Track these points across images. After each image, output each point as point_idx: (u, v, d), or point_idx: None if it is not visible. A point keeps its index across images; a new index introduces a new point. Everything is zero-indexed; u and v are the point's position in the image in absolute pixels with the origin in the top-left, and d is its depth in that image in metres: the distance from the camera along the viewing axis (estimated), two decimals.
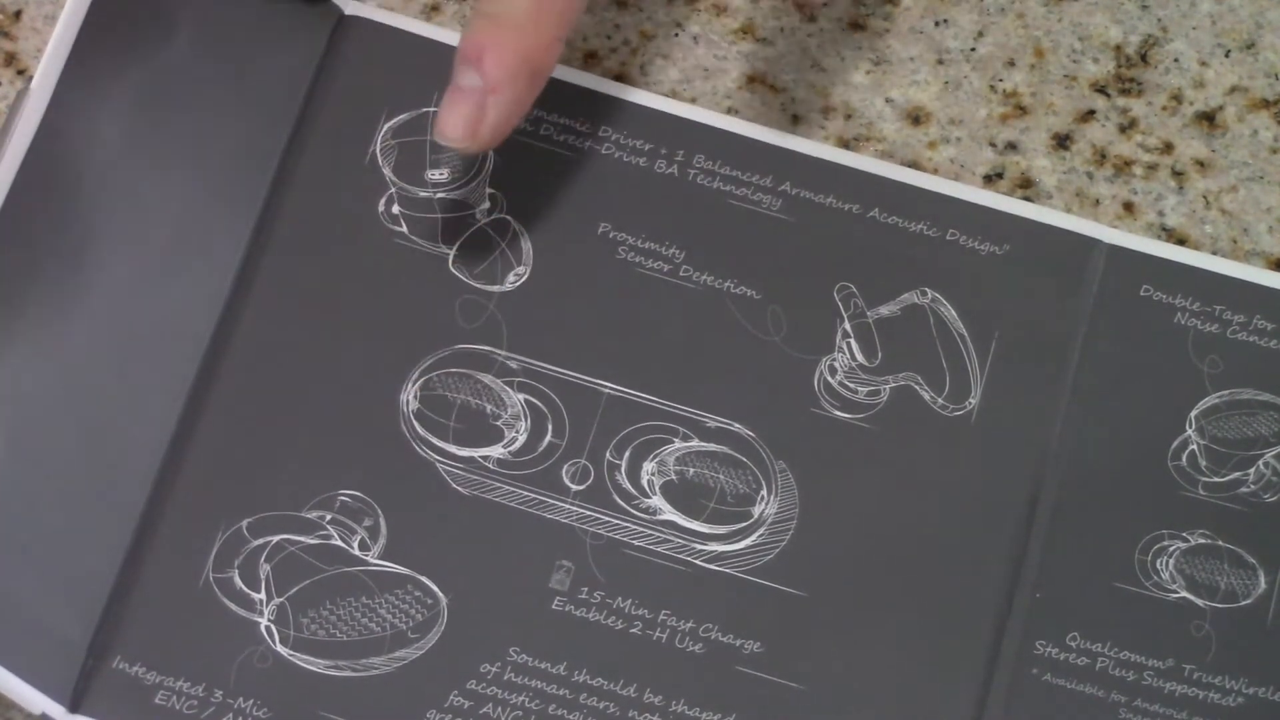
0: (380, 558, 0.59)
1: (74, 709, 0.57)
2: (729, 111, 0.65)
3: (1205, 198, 0.64)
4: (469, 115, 0.56)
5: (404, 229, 0.62)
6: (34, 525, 0.58)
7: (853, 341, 0.62)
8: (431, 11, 0.66)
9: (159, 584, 0.59)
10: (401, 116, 0.63)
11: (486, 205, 0.63)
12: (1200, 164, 0.65)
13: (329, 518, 0.60)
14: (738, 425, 0.61)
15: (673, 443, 0.61)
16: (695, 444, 0.61)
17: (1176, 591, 0.60)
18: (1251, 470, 0.61)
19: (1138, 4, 0.66)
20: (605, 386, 0.61)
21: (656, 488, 0.60)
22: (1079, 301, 0.62)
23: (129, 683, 0.58)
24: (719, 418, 0.61)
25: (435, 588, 0.59)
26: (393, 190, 0.63)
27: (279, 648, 0.58)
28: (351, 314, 0.62)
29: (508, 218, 0.63)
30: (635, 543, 0.60)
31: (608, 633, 0.59)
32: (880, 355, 0.61)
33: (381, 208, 0.63)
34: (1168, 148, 0.65)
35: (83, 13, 0.61)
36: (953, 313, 0.62)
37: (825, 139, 0.64)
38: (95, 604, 0.58)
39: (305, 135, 0.63)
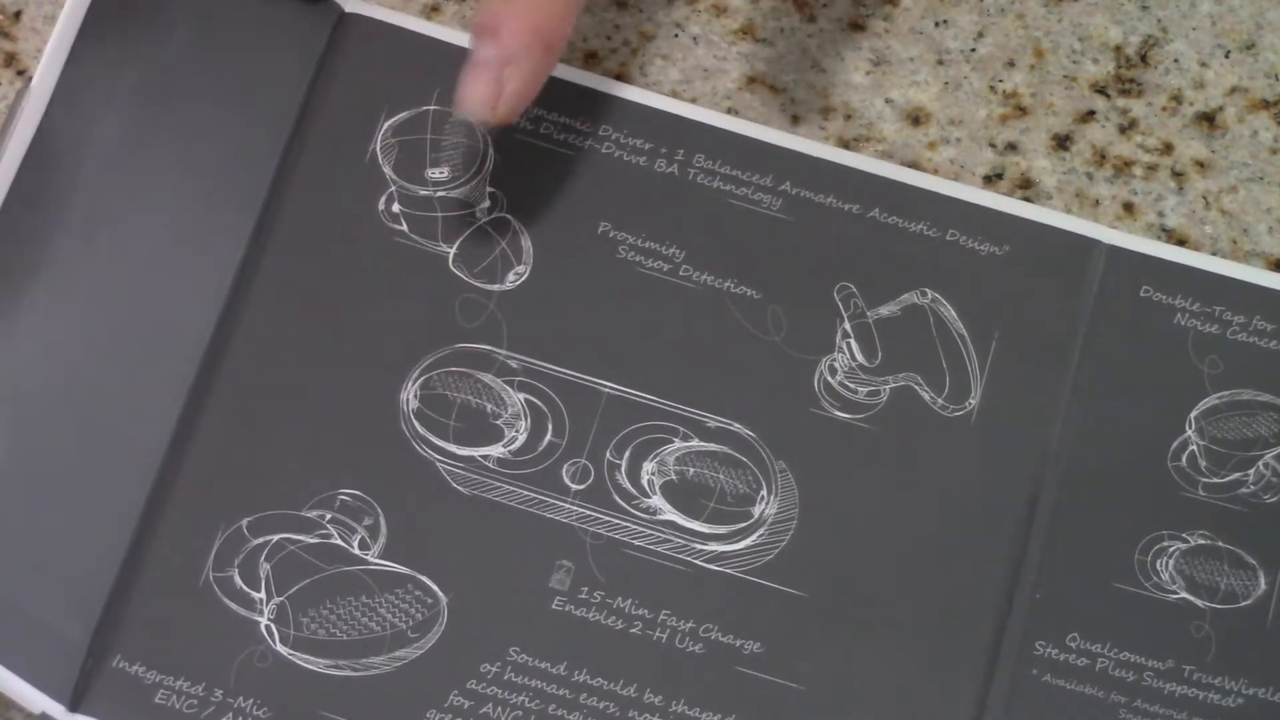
0: (380, 557, 0.59)
1: (74, 708, 0.57)
2: (729, 112, 0.65)
3: (1205, 198, 0.64)
4: (487, 88, 0.57)
5: (404, 227, 0.62)
6: (34, 524, 0.58)
7: (853, 341, 0.62)
8: (432, 11, 0.65)
9: (159, 583, 0.59)
10: (402, 115, 0.63)
11: (487, 204, 0.63)
12: (1200, 164, 0.65)
13: (329, 517, 0.60)
14: (738, 425, 0.61)
15: (673, 442, 0.61)
16: (695, 444, 0.61)
17: (1176, 592, 0.60)
18: (1251, 471, 0.61)
19: (1138, 4, 0.66)
20: (605, 386, 0.61)
21: (657, 487, 0.60)
22: (1079, 302, 0.62)
23: (129, 682, 0.58)
24: (719, 418, 0.61)
25: (435, 587, 0.59)
26: (393, 189, 0.63)
27: (279, 647, 0.58)
28: (351, 313, 0.62)
29: (508, 216, 0.63)
30: (635, 542, 0.60)
31: (608, 633, 0.59)
32: (880, 355, 0.62)
33: (381, 206, 0.63)
34: (1168, 148, 0.65)
35: (82, 12, 0.61)
36: (953, 313, 0.62)
37: (825, 139, 0.64)
38: (95, 603, 0.58)
39: (305, 134, 0.63)
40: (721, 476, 0.60)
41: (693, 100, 0.65)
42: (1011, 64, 0.66)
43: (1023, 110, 0.65)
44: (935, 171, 0.64)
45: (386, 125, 0.63)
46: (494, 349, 0.61)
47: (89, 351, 0.60)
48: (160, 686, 0.58)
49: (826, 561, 0.60)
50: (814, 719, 0.58)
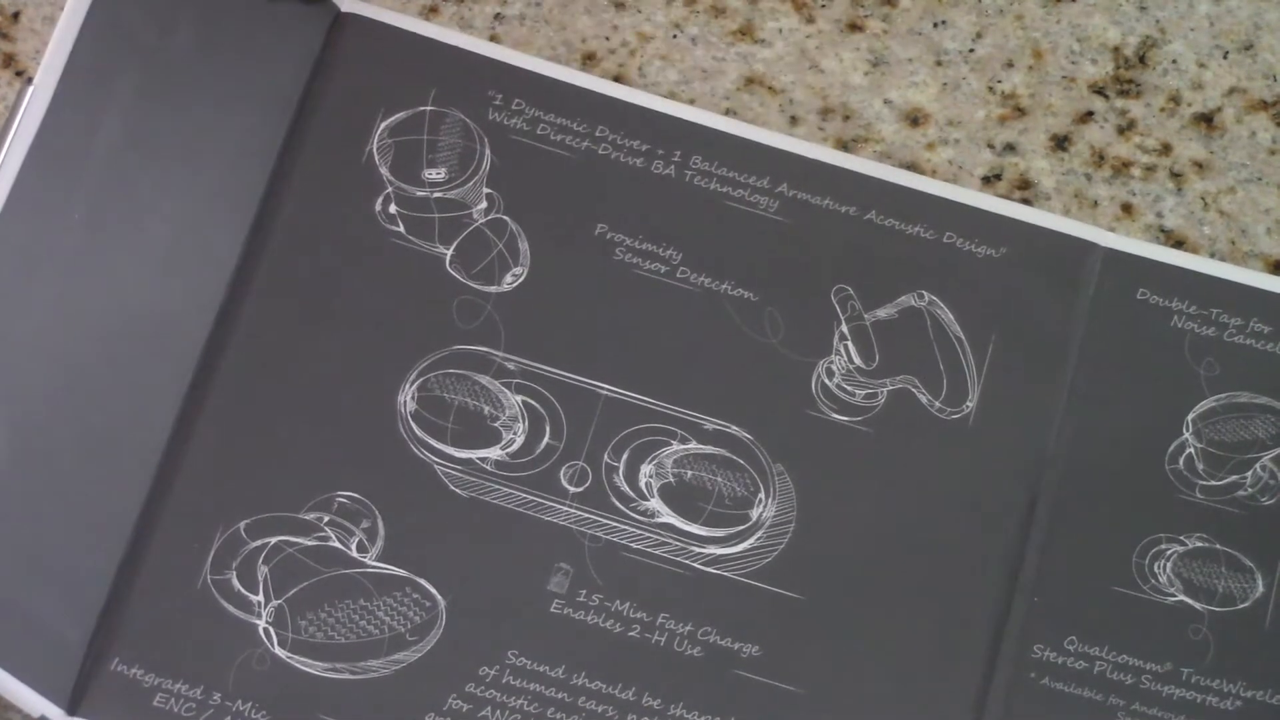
0: (378, 560, 0.59)
1: (72, 711, 0.57)
2: (727, 113, 0.65)
3: (1204, 199, 0.64)
4: None
5: (401, 229, 0.62)
6: (32, 527, 0.58)
7: (850, 344, 0.62)
8: (430, 12, 0.65)
9: (157, 586, 0.59)
10: (398, 115, 0.63)
11: (484, 205, 0.63)
12: (1198, 165, 0.65)
13: (327, 519, 0.60)
14: (735, 428, 0.61)
15: (670, 445, 0.61)
16: (693, 446, 0.61)
17: (1174, 595, 0.60)
18: (1249, 473, 0.61)
19: (1136, 5, 0.66)
20: (603, 388, 0.61)
21: (654, 490, 0.60)
22: (1076, 305, 0.62)
23: (127, 684, 0.58)
24: (716, 420, 0.61)
25: (433, 590, 0.59)
26: (390, 190, 0.63)
27: (277, 650, 0.58)
28: (348, 314, 0.61)
29: (505, 218, 0.63)
30: (633, 545, 0.60)
31: (606, 636, 0.59)
32: (878, 358, 0.61)
33: (378, 207, 0.62)
34: (1166, 149, 0.65)
35: (83, 13, 0.61)
36: (950, 316, 0.62)
37: (824, 140, 0.64)
38: (93, 606, 0.58)
39: (302, 134, 0.63)
40: (719, 479, 0.60)
41: (691, 101, 0.65)
42: (1010, 65, 0.65)
43: (1021, 111, 0.65)
44: (934, 172, 0.64)
45: (383, 126, 0.63)
46: (491, 351, 0.61)
47: (87, 353, 0.60)
48: (158, 689, 0.58)
49: (824, 564, 0.60)
50: None
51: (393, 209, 0.63)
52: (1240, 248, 0.64)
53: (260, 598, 0.59)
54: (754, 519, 0.60)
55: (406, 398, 0.61)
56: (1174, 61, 0.66)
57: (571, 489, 0.60)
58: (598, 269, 0.62)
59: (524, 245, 0.63)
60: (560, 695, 0.59)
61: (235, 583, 0.59)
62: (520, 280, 0.62)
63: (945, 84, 0.65)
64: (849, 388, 0.61)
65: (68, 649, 0.58)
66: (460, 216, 0.63)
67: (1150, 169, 0.65)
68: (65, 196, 0.60)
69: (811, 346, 0.62)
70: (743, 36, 0.66)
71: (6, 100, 0.64)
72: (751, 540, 0.60)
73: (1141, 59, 0.66)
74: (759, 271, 0.62)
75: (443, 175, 0.63)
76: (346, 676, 0.58)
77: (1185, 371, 0.62)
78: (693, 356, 0.61)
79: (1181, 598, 0.60)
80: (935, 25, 0.66)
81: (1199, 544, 0.60)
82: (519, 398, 0.61)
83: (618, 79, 0.65)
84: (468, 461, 0.60)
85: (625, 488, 0.60)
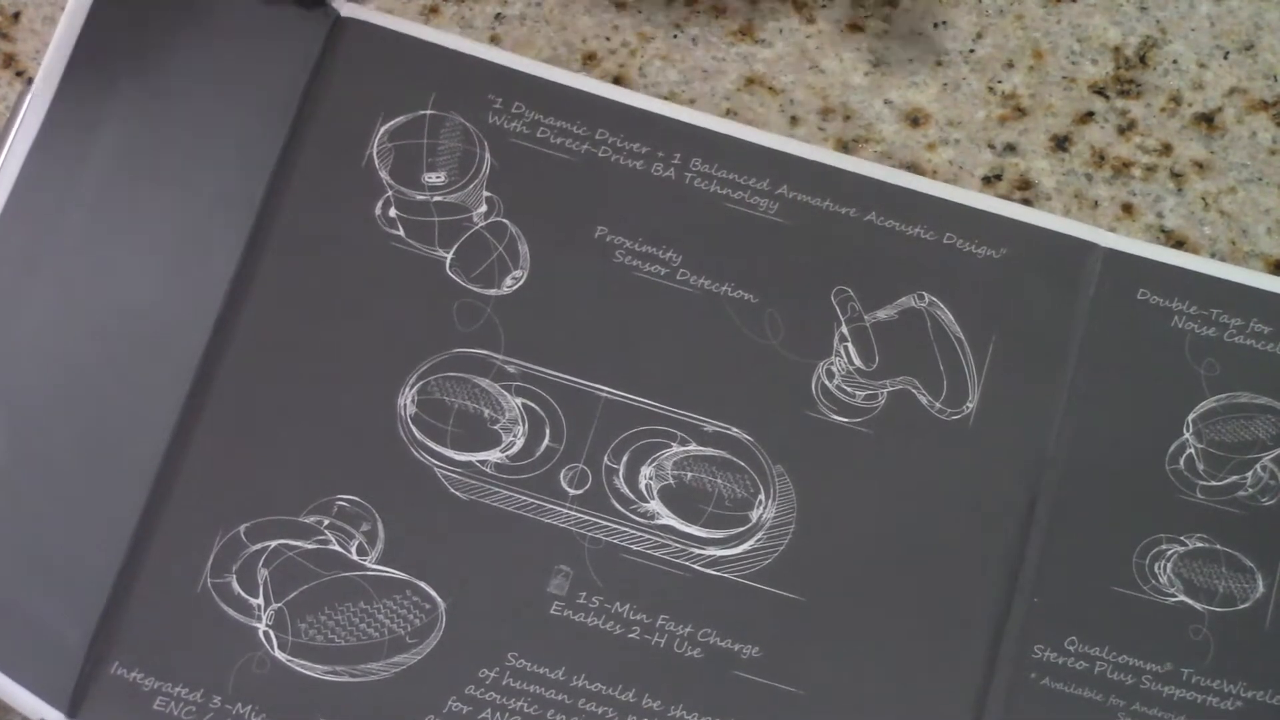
0: (378, 563, 0.59)
1: (72, 714, 0.58)
2: (727, 113, 0.65)
3: (1204, 199, 0.64)
4: None
5: (401, 232, 0.62)
6: (32, 530, 0.58)
7: (850, 345, 0.62)
8: (430, 14, 0.65)
9: (157, 589, 0.59)
10: (398, 119, 0.63)
11: (484, 208, 0.63)
12: (1199, 165, 0.65)
13: (327, 522, 0.60)
14: (735, 429, 0.61)
15: (670, 447, 0.61)
16: (693, 448, 0.61)
17: (1174, 595, 0.60)
18: (1249, 474, 0.61)
19: (1136, 5, 0.66)
20: (603, 390, 0.61)
21: (654, 492, 0.60)
22: (1076, 305, 0.62)
23: (127, 688, 0.58)
24: (717, 422, 0.61)
25: (433, 593, 0.59)
26: (389, 193, 0.63)
27: (277, 653, 0.58)
28: (348, 317, 0.62)
29: (505, 221, 0.63)
30: (633, 547, 0.60)
31: (606, 638, 0.59)
32: (878, 359, 0.61)
33: (378, 211, 0.63)
34: (1166, 149, 0.65)
35: (83, 15, 0.61)
36: (950, 316, 0.62)
37: (824, 140, 0.64)
38: (93, 609, 0.58)
39: (302, 137, 0.63)
40: (719, 481, 0.60)
41: (691, 101, 0.65)
42: (1010, 65, 0.65)
43: (1021, 111, 0.65)
44: (934, 172, 0.64)
45: (383, 130, 0.63)
46: (491, 354, 0.61)
47: (88, 353, 0.60)
48: (158, 693, 0.58)
49: (824, 566, 0.60)
50: None
51: (393, 212, 0.63)
52: (1241, 248, 0.64)
53: (260, 601, 0.59)
54: (754, 520, 0.60)
55: (406, 401, 0.61)
56: (1174, 62, 0.66)
57: (571, 491, 0.60)
58: (598, 271, 0.62)
59: (524, 248, 0.63)
60: (560, 697, 0.58)
61: (235, 586, 0.59)
62: (520, 283, 0.62)
63: (945, 84, 0.65)
64: (849, 389, 0.61)
65: (67, 652, 0.58)
66: (460, 220, 0.63)
67: (1151, 169, 0.64)
68: (65, 197, 0.61)
69: (811, 348, 0.62)
70: (743, 37, 0.66)
71: (7, 101, 0.65)
72: (751, 542, 0.60)
73: (1142, 59, 0.66)
74: (759, 273, 0.62)
75: (442, 179, 0.63)
76: (346, 679, 0.58)
77: (1186, 372, 0.61)
78: (693, 358, 0.61)
79: (1182, 598, 0.60)
80: (935, 25, 0.66)
81: (1199, 544, 0.60)
82: (519, 400, 0.61)
83: (618, 79, 0.65)
84: (468, 464, 0.60)
85: (625, 490, 0.60)
